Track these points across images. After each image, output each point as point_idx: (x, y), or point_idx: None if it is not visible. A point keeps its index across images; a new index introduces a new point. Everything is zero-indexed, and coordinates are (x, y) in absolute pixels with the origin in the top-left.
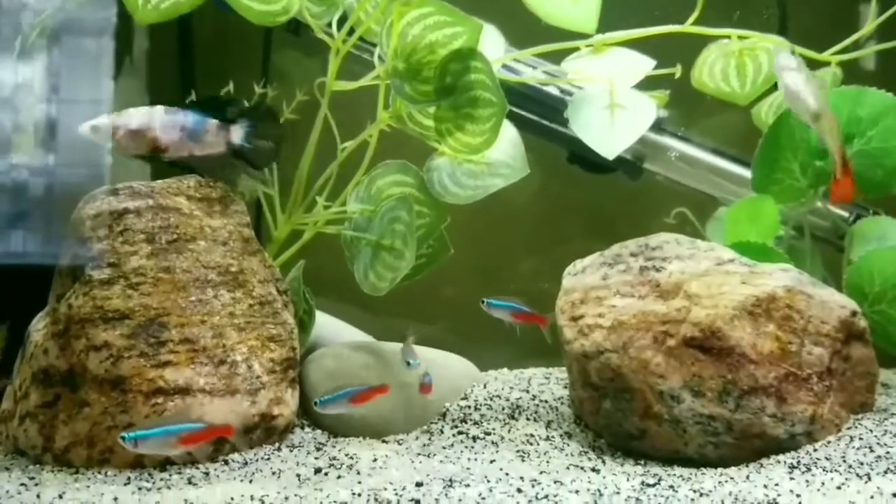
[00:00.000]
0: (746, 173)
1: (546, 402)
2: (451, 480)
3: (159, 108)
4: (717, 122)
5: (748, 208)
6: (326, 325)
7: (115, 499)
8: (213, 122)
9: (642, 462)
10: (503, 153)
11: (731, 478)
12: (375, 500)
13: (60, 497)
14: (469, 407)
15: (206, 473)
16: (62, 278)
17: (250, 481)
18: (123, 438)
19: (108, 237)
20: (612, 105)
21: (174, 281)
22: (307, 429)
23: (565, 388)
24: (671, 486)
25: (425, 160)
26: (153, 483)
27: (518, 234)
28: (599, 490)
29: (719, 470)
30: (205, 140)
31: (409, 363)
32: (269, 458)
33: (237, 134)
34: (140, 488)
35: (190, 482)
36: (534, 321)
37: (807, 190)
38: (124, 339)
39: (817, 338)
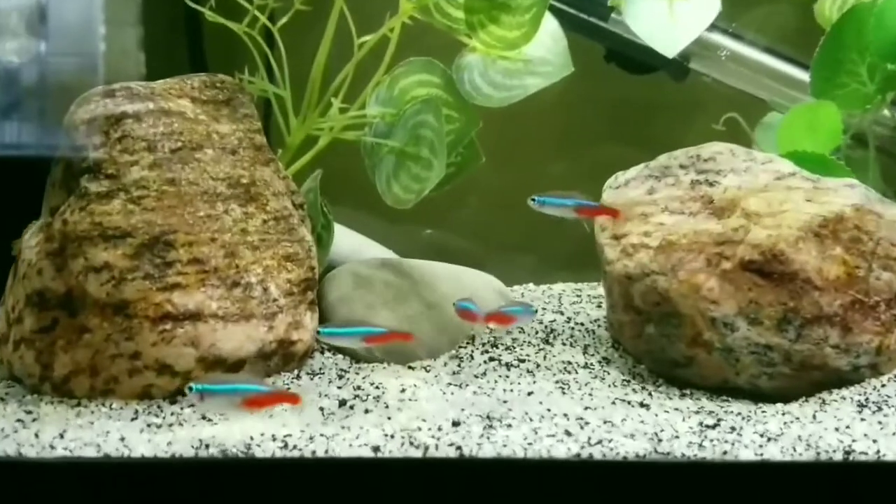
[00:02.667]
0: (803, 76)
1: (582, 324)
2: (489, 417)
3: None
4: (769, 17)
5: (806, 115)
6: (346, 240)
7: (122, 438)
8: None
9: (688, 392)
10: (543, 48)
11: (797, 417)
12: (411, 443)
13: (61, 436)
14: (499, 329)
15: None
16: (56, 189)
17: (270, 416)
18: (190, 388)
19: (105, 145)
20: None
21: (180, 194)
22: (327, 353)
23: (599, 307)
24: (732, 429)
25: (454, 57)
26: (163, 418)
27: (545, 136)
28: (657, 434)
29: (779, 406)
30: None
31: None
32: (288, 388)
33: None
34: (149, 425)
35: (204, 417)
36: (604, 214)
37: (874, 95)
38: (127, 260)
39: (886, 261)
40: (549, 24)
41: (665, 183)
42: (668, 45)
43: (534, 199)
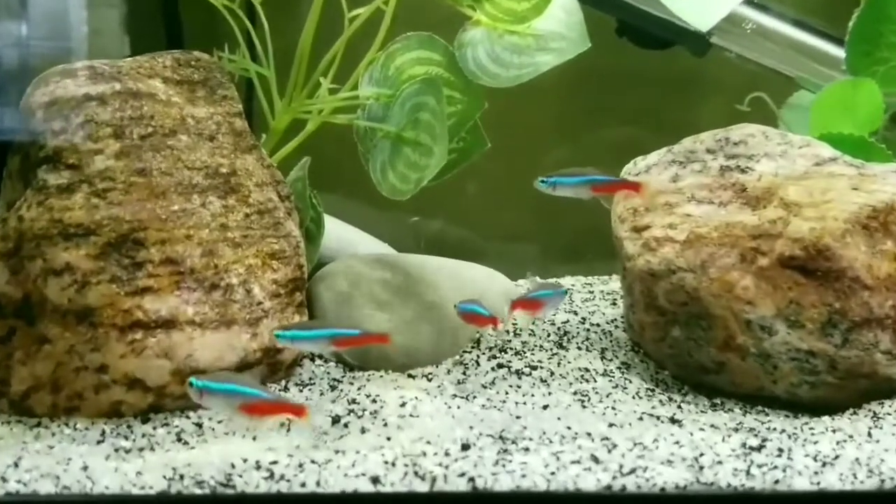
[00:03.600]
0: (835, 51)
1: (597, 325)
2: (502, 438)
3: None
4: None
5: (842, 93)
6: (337, 234)
7: (86, 467)
8: None
9: (719, 402)
10: (556, 22)
11: (850, 435)
12: (415, 473)
13: (16, 465)
14: (507, 332)
15: (199, 425)
16: (12, 182)
17: (254, 437)
18: (191, 385)
19: (66, 131)
20: None
21: (151, 186)
22: (318, 360)
23: (614, 305)
24: (780, 450)
25: (456, 33)
26: (133, 440)
27: (549, 118)
28: (696, 459)
29: (826, 421)
30: None
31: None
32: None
33: None
34: (117, 450)
35: (179, 438)
36: (626, 189)
37: None
38: (91, 261)
39: None
40: None
41: (691, 169)
42: (703, 16)
43: (543, 181)
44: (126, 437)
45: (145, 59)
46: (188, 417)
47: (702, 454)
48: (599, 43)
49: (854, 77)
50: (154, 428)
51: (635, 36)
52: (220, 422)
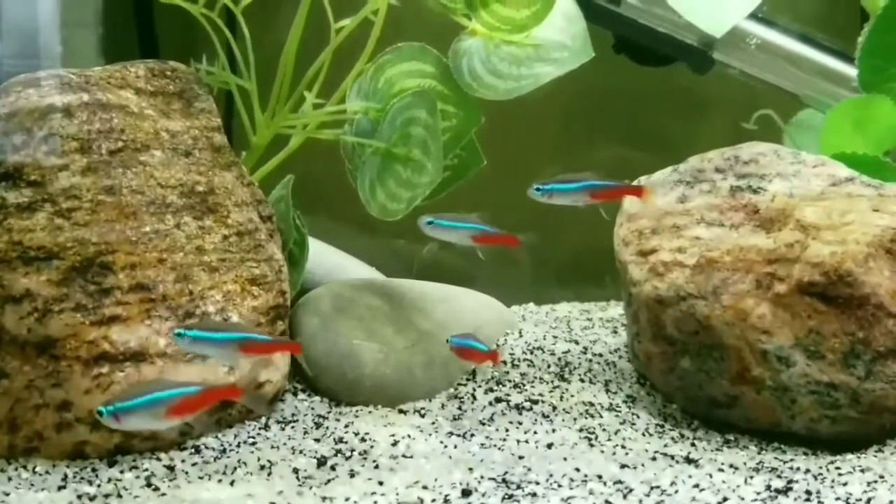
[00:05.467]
0: (844, 68)
1: (600, 355)
2: (506, 482)
3: None
4: (798, 1)
5: (854, 111)
6: (323, 257)
7: None
8: None
9: (733, 439)
10: (557, 31)
11: (880, 476)
12: None
13: None
14: (505, 363)
15: (171, 468)
16: None
17: (231, 482)
18: (101, 413)
19: (28, 145)
20: None
21: (120, 205)
22: (301, 395)
23: (615, 333)
24: (809, 493)
25: (450, 43)
26: (98, 486)
27: (543, 135)
28: None
29: (851, 459)
30: None
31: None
32: (254, 442)
33: None
34: (80, 496)
35: (149, 483)
36: (629, 194)
37: None
38: (53, 287)
39: None
40: (563, 1)
41: (699, 189)
42: (715, 23)
43: (539, 189)
44: (90, 482)
45: (116, 69)
46: (159, 459)
47: (725, 499)
48: (596, 59)
49: (867, 93)
50: (121, 471)
51: (634, 52)
52: (193, 464)
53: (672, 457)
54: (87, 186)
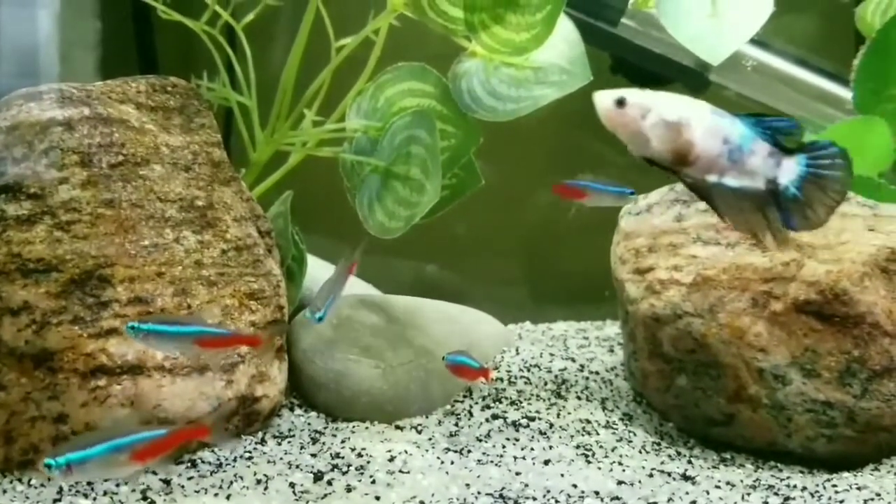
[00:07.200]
0: (839, 90)
1: (596, 373)
2: (503, 497)
3: (704, 105)
4: (798, 23)
5: (850, 133)
6: (321, 273)
7: None
8: (765, 145)
9: (729, 457)
10: (557, 54)
11: (877, 493)
12: None
13: None
14: (501, 380)
15: (167, 482)
16: None
17: (227, 497)
18: (49, 466)
19: (28, 158)
20: None
21: (119, 219)
22: (298, 410)
23: (611, 351)
24: None
25: (450, 64)
26: (94, 498)
27: (538, 152)
28: None
29: (848, 477)
30: (744, 165)
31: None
32: (251, 457)
33: (789, 172)
34: None
35: (145, 497)
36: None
37: None
38: (51, 300)
39: None
40: (564, 25)
41: (696, 208)
42: (713, 50)
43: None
44: (86, 496)
45: (117, 84)
46: (154, 473)
47: None
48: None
49: (862, 115)
50: (117, 485)
51: (631, 72)
52: (190, 478)
53: (669, 474)
54: (86, 200)
